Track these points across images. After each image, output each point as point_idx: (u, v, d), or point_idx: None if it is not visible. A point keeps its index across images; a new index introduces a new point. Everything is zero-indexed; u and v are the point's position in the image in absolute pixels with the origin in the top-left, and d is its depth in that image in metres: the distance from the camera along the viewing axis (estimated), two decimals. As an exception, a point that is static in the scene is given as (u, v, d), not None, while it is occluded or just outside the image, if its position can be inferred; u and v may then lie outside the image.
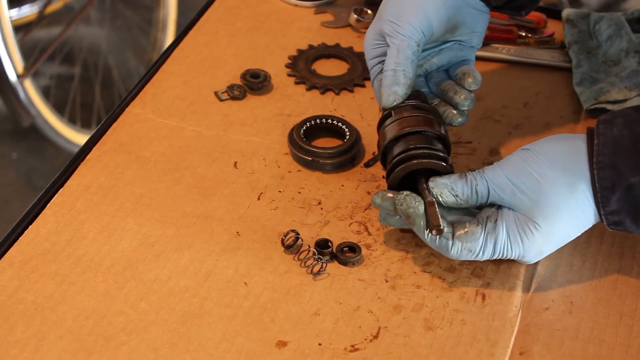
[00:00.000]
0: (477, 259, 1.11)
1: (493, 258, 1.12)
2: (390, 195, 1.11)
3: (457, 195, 1.10)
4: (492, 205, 1.12)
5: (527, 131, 1.33)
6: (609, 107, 1.34)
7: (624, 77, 1.36)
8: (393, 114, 1.16)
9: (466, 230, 1.10)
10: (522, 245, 1.10)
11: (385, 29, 1.18)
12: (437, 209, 1.09)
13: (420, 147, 1.13)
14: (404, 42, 1.16)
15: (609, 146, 1.07)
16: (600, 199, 1.07)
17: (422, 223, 1.10)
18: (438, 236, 1.09)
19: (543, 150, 1.10)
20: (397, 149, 1.14)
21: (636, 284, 1.15)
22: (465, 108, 1.18)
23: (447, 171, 1.12)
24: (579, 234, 1.12)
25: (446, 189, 1.10)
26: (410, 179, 1.13)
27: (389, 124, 1.16)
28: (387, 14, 1.18)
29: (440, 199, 1.10)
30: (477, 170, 1.11)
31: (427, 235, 1.10)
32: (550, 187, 1.08)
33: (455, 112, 1.18)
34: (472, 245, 1.10)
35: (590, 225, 1.11)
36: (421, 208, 1.09)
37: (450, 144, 1.16)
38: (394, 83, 1.16)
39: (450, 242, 1.10)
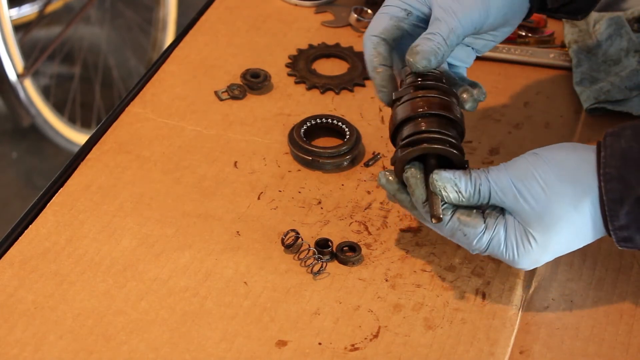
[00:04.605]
0: (466, 247, 1.08)
1: (483, 254, 1.09)
2: (391, 178, 1.10)
3: (460, 192, 1.07)
4: (496, 207, 1.09)
5: (527, 131, 1.33)
6: (609, 106, 1.34)
7: (624, 77, 1.36)
8: (408, 93, 1.12)
9: (469, 215, 1.07)
10: (517, 253, 1.07)
11: (436, 12, 1.13)
12: (440, 199, 1.07)
13: (432, 130, 1.09)
14: (458, 30, 1.12)
15: (617, 158, 1.03)
16: (609, 213, 1.04)
17: (420, 195, 1.08)
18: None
19: (553, 158, 1.06)
20: (406, 131, 1.10)
21: (636, 282, 1.15)
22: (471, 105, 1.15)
23: (459, 159, 1.09)
24: (579, 247, 1.08)
25: (449, 184, 1.07)
26: (419, 159, 1.10)
27: (403, 103, 1.12)
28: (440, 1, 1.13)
29: (443, 194, 1.07)
30: (482, 169, 1.08)
31: (424, 207, 1.08)
32: (554, 198, 1.05)
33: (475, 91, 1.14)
34: (469, 230, 1.07)
35: (590, 241, 1.07)
36: (421, 181, 1.08)
37: (465, 129, 1.13)
38: (433, 54, 1.11)
39: (447, 217, 1.07)
